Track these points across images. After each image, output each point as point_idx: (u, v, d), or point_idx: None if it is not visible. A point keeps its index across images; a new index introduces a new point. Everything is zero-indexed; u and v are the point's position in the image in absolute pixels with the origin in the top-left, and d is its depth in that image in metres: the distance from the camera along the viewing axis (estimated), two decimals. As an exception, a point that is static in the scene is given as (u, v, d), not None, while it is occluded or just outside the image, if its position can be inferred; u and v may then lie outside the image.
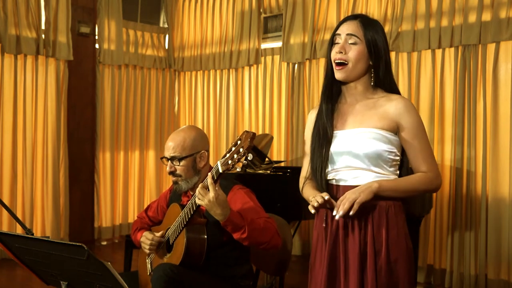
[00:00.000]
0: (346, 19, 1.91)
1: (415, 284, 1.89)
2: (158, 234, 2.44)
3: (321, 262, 1.90)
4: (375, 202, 1.81)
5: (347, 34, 1.86)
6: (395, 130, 1.85)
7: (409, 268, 1.84)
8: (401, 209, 1.87)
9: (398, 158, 1.87)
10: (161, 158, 2.49)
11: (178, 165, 2.39)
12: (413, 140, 1.84)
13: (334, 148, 1.88)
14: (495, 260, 3.99)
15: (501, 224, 3.98)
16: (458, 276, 4.16)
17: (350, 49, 1.85)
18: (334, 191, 1.89)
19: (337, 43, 1.88)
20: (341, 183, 1.88)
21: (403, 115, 1.84)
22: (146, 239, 2.46)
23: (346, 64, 1.85)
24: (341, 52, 1.85)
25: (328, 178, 1.90)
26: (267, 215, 2.31)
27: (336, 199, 1.82)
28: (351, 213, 1.74)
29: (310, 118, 2.02)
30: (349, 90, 1.92)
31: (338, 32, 1.89)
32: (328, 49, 1.92)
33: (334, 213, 1.77)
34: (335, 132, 1.90)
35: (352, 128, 1.87)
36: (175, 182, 2.44)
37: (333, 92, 1.94)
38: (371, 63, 1.87)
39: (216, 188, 2.10)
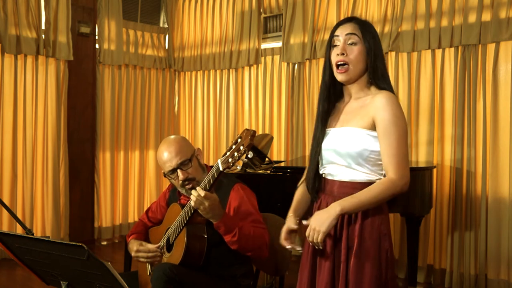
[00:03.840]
0: (342, 22, 1.95)
1: (382, 278, 1.87)
2: (152, 247, 2.45)
3: (308, 252, 1.99)
4: None
5: (347, 34, 1.89)
6: (374, 126, 1.85)
7: (378, 266, 1.85)
8: (381, 210, 1.89)
9: None
10: (165, 176, 2.42)
11: (191, 167, 2.36)
12: (382, 136, 1.82)
13: (323, 145, 1.97)
14: (495, 260, 3.99)
15: (501, 224, 3.98)
16: (458, 276, 4.16)
17: (350, 50, 1.88)
18: (323, 183, 1.99)
19: (336, 45, 1.91)
20: (329, 177, 1.97)
21: (378, 111, 1.83)
22: (139, 252, 2.46)
23: (347, 65, 1.88)
24: (343, 54, 1.88)
25: (320, 172, 1.99)
26: (262, 222, 2.33)
27: (325, 191, 1.96)
28: (320, 246, 1.83)
29: None
30: (347, 89, 1.98)
31: (336, 33, 1.92)
32: (326, 52, 1.95)
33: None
34: (328, 129, 1.98)
35: (340, 127, 1.94)
36: (191, 188, 2.33)
37: (330, 93, 1.98)
38: (369, 62, 1.90)
39: (212, 193, 2.14)
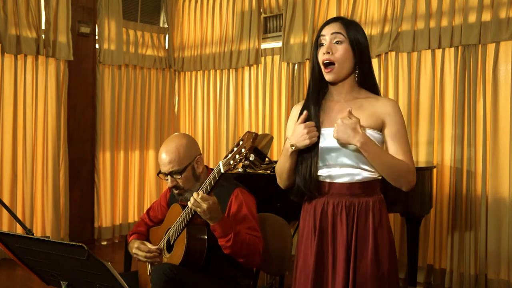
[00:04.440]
0: (328, 22, 1.98)
1: (396, 273, 1.98)
2: (152, 247, 2.44)
3: (309, 254, 1.97)
4: (362, 198, 1.91)
5: (332, 33, 1.93)
6: (380, 127, 1.94)
7: (392, 258, 1.94)
8: (384, 205, 1.97)
9: None
10: (158, 174, 2.45)
11: (180, 178, 2.37)
12: (396, 136, 1.93)
13: (325, 145, 1.93)
14: (495, 260, 3.99)
15: (501, 224, 3.98)
16: (458, 276, 4.16)
17: (336, 49, 1.92)
18: (326, 188, 1.95)
19: (323, 44, 1.95)
20: (328, 180, 1.94)
21: (389, 114, 1.93)
22: (139, 250, 2.45)
23: (334, 64, 1.92)
24: (328, 53, 1.92)
25: (319, 174, 1.95)
26: (258, 229, 2.34)
27: (329, 194, 1.93)
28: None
29: (294, 114, 2.05)
30: (337, 89, 1.99)
31: (322, 33, 1.96)
32: (313, 51, 1.99)
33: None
34: (323, 129, 1.95)
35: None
36: (178, 194, 2.41)
37: (320, 93, 2.00)
38: (355, 61, 1.94)
39: (211, 196, 2.14)
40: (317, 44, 1.97)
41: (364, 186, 1.92)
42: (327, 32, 1.94)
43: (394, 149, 1.93)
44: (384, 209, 1.96)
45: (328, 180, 1.94)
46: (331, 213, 1.93)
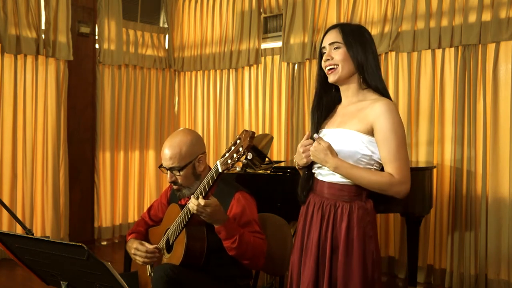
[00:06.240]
0: (328, 30, 2.05)
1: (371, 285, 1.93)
2: (151, 246, 2.43)
3: (298, 248, 2.05)
4: (342, 202, 1.93)
5: (330, 44, 2.01)
6: (372, 132, 1.91)
7: (364, 268, 1.88)
8: (367, 212, 1.93)
9: (373, 162, 1.93)
10: (159, 167, 2.45)
11: (179, 175, 2.37)
12: (383, 142, 1.89)
13: None
14: (495, 260, 3.99)
15: (501, 224, 3.98)
16: (458, 276, 4.16)
17: (335, 54, 1.99)
18: (314, 183, 2.05)
19: (324, 53, 2.03)
20: (319, 177, 2.02)
21: (378, 118, 1.89)
22: (138, 251, 2.43)
23: (335, 66, 1.98)
24: (328, 59, 1.99)
25: (313, 171, 2.05)
26: (262, 232, 2.34)
27: (315, 191, 2.02)
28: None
29: None
30: (344, 92, 2.05)
31: (323, 45, 2.04)
32: (318, 61, 2.07)
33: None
34: (323, 130, 2.03)
35: (335, 128, 1.99)
36: (177, 190, 2.43)
37: (323, 100, 2.08)
38: (355, 64, 1.97)
39: (210, 199, 2.13)
40: (321, 54, 2.04)
41: (347, 189, 1.93)
42: (326, 43, 2.02)
43: (382, 156, 1.90)
44: (367, 217, 1.92)
45: (317, 178, 2.01)
46: (310, 212, 1.99)
